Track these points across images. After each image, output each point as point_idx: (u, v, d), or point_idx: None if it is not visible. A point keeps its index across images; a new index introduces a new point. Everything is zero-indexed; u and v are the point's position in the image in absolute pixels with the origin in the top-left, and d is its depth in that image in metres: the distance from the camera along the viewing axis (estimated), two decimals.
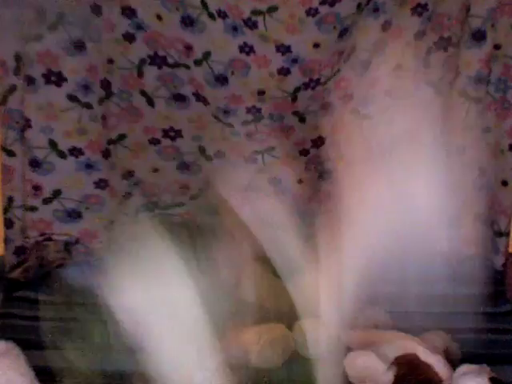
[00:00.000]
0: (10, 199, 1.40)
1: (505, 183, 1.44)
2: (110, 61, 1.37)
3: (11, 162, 1.39)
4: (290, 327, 1.27)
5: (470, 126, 1.39)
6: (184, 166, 1.51)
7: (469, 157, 1.42)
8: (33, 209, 1.42)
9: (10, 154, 1.39)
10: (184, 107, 1.44)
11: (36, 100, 1.34)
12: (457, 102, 1.38)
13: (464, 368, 1.04)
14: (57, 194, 1.43)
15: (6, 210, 1.41)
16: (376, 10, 1.30)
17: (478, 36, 1.32)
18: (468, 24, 1.32)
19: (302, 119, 1.45)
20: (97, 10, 1.31)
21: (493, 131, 1.43)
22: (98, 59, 1.35)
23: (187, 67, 1.38)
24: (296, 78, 1.37)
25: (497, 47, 1.36)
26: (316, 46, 1.32)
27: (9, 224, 1.42)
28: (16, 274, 1.45)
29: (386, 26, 1.32)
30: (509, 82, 1.39)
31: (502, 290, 1.49)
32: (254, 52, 1.34)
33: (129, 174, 1.50)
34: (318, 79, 1.38)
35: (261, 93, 1.39)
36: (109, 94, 1.40)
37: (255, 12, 1.29)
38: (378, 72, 1.39)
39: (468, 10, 1.31)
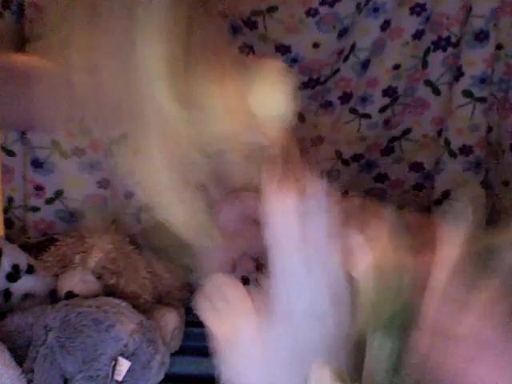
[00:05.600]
0: (10, 199, 1.40)
1: (506, 183, 1.43)
2: None
3: (11, 161, 1.39)
4: None
5: (475, 125, 1.38)
6: None
7: (475, 157, 1.41)
8: (35, 209, 1.42)
9: (10, 153, 1.39)
10: None
11: None
12: (462, 102, 1.38)
13: None
14: (59, 194, 1.43)
15: (6, 210, 1.41)
16: (375, 9, 1.30)
17: (482, 36, 1.31)
18: (470, 24, 1.31)
19: (302, 118, 1.45)
20: None
21: (494, 131, 1.43)
22: None
23: None
24: (296, 78, 1.37)
25: (499, 47, 1.35)
26: (316, 45, 1.32)
27: (9, 224, 1.42)
28: None
29: (385, 26, 1.32)
30: (511, 82, 1.38)
31: None
32: (254, 52, 1.34)
33: (130, 174, 1.50)
34: (318, 79, 1.38)
35: None
36: None
37: (255, 12, 1.30)
38: (378, 72, 1.39)
39: (470, 10, 1.31)
